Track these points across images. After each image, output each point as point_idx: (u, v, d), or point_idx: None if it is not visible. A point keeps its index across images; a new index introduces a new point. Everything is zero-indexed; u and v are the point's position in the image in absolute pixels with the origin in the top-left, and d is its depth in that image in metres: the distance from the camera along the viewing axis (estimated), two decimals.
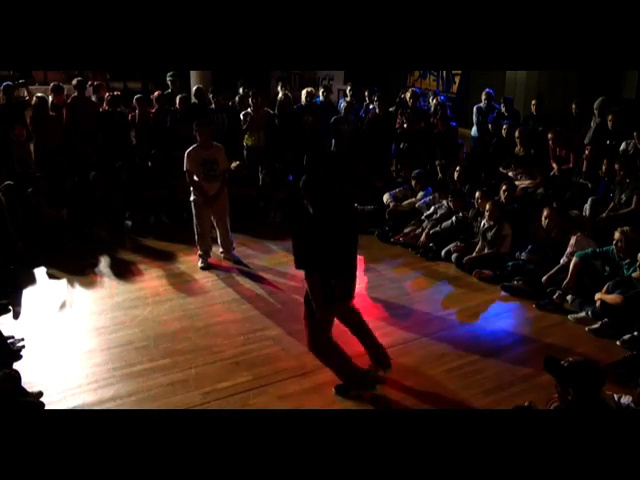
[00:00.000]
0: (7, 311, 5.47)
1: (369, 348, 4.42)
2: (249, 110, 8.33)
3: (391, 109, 8.81)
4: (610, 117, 6.98)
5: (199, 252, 6.56)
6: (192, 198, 6.38)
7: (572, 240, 5.79)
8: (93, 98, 9.03)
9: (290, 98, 8.55)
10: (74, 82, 8.33)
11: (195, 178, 6.27)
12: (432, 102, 9.33)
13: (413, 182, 7.68)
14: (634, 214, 5.98)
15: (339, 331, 4.27)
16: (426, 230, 7.07)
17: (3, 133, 7.65)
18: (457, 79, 12.61)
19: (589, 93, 8.24)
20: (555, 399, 3.25)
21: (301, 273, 3.86)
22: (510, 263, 6.21)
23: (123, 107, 8.48)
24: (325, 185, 4.05)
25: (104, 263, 6.73)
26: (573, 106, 7.77)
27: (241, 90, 8.93)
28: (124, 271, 6.45)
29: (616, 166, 6.39)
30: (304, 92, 8.69)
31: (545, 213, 6.07)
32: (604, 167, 6.51)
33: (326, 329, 4.13)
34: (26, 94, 10.48)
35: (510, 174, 7.50)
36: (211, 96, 8.49)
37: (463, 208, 6.92)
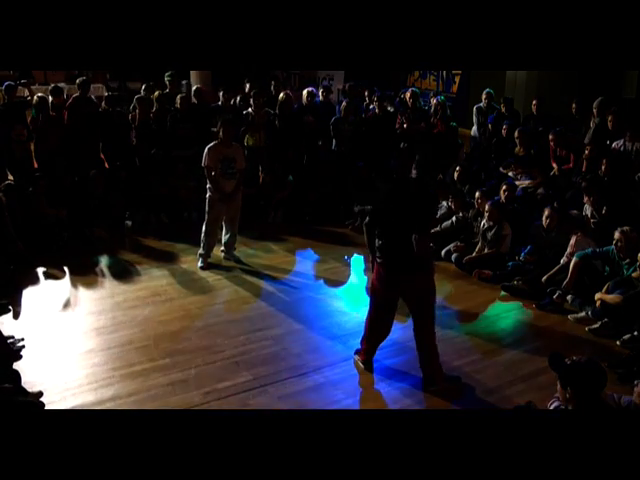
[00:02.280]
0: (7, 311, 5.47)
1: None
2: (250, 110, 8.33)
3: (390, 108, 8.80)
4: (610, 117, 6.99)
5: (200, 251, 6.55)
6: (208, 195, 6.40)
7: (572, 240, 5.80)
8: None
9: (291, 98, 8.56)
10: (78, 81, 8.32)
11: (212, 174, 6.30)
12: (432, 102, 9.32)
13: None
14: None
15: None
16: None
17: (4, 133, 7.66)
18: (457, 79, 12.62)
19: (589, 93, 8.24)
20: (556, 399, 3.25)
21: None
22: (510, 263, 6.21)
23: (123, 107, 8.48)
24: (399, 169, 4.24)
25: (104, 263, 6.73)
26: (573, 105, 7.77)
27: (247, 88, 8.88)
28: (124, 271, 6.45)
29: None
30: (305, 92, 8.70)
31: (546, 213, 6.07)
32: (604, 167, 6.51)
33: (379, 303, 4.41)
34: (27, 94, 10.49)
35: (510, 174, 7.50)
36: (221, 94, 8.45)
37: (463, 208, 6.92)
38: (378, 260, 4.27)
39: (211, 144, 6.32)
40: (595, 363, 3.03)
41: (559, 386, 3.03)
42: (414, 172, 4.29)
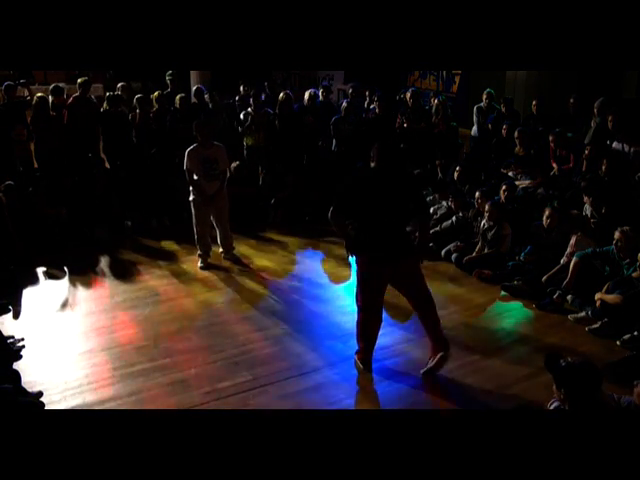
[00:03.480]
0: (7, 311, 5.47)
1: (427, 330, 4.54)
2: (249, 110, 8.33)
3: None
4: (610, 117, 6.98)
5: (199, 252, 6.55)
6: (191, 198, 6.39)
7: (572, 240, 5.80)
8: None
9: (291, 98, 8.56)
10: (79, 81, 8.32)
11: (195, 177, 6.28)
12: (433, 102, 9.32)
13: None
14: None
15: None
16: None
17: (4, 133, 7.66)
18: (457, 79, 12.62)
19: (589, 93, 8.24)
20: (556, 399, 3.26)
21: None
22: (510, 263, 6.21)
23: (123, 107, 8.48)
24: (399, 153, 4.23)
25: (104, 263, 6.73)
26: (571, 101, 7.78)
27: (242, 89, 8.91)
28: (124, 271, 6.45)
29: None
30: (307, 94, 8.72)
31: (546, 213, 6.06)
32: (604, 167, 6.51)
33: (366, 293, 4.35)
34: (27, 94, 10.48)
35: (510, 174, 7.50)
36: (207, 96, 8.50)
37: (463, 208, 6.92)
38: (360, 254, 4.28)
39: (191, 147, 6.29)
40: (589, 365, 3.03)
41: (554, 386, 3.04)
42: (374, 163, 4.24)
